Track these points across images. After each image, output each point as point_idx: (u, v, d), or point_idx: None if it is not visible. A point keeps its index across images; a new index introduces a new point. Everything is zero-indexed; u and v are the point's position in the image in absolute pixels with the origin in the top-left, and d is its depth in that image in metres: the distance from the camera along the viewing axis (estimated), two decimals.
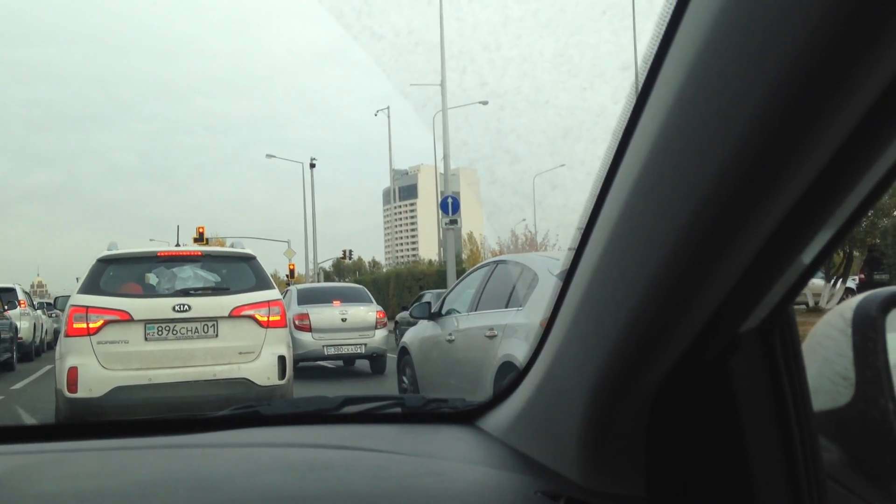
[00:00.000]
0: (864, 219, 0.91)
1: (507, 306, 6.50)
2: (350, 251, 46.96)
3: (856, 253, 22.22)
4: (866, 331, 0.89)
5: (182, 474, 1.01)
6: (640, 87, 0.65)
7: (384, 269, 66.67)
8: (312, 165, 40.29)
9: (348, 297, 13.03)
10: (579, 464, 0.86)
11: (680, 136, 0.61)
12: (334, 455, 1.07)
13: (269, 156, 42.47)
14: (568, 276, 0.85)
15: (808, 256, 0.67)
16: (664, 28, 0.60)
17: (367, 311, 12.64)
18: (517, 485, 0.91)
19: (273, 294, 7.13)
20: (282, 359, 6.92)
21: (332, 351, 12.22)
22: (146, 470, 1.03)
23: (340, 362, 13.46)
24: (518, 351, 5.90)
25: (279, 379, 6.86)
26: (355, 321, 12.33)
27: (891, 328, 0.91)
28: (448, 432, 1.21)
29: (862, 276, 20.44)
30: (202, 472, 1.02)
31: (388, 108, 43.86)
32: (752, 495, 0.75)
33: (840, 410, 0.87)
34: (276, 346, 6.93)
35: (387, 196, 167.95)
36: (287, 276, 35.23)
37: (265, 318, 6.87)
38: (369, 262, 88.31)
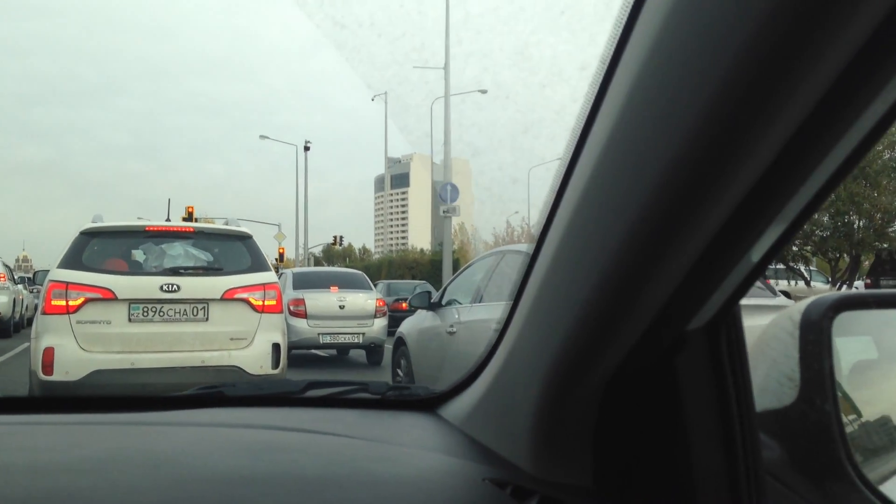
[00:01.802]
0: (813, 216, 0.76)
1: (495, 300, 6.16)
2: (341, 237, 46.76)
3: (864, 258, 22.00)
4: (812, 334, 0.92)
5: (136, 451, 1.00)
6: (596, 88, 0.66)
7: (375, 257, 66.39)
8: (307, 148, 40.02)
9: (347, 284, 12.51)
10: (530, 453, 0.89)
11: (629, 136, 0.64)
12: (292, 438, 1.09)
13: (262, 137, 41.78)
14: (527, 270, 0.87)
15: (755, 255, 0.69)
16: (619, 31, 0.62)
17: (367, 299, 12.09)
18: (466, 472, 0.93)
19: (269, 277, 6.69)
20: (276, 346, 6.50)
21: (327, 339, 11.68)
22: (101, 445, 1.03)
23: (334, 351, 12.91)
24: None
25: (272, 368, 6.44)
26: (353, 309, 11.78)
27: (837, 332, 0.94)
28: (408, 419, 1.23)
29: (868, 280, 20.10)
30: (156, 449, 1.01)
31: (385, 93, 43.26)
32: (692, 489, 0.78)
33: (784, 410, 0.90)
34: (270, 332, 6.49)
35: (379, 183, 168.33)
36: (276, 259, 34.82)
37: (260, 303, 6.43)
38: (359, 249, 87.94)
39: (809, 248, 20.78)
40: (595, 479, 0.86)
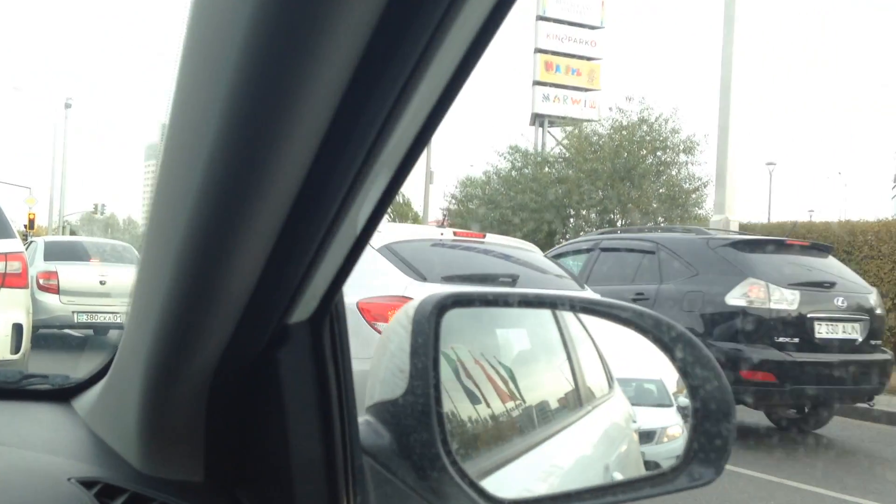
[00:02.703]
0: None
1: None
2: (103, 205, 43.19)
3: None
4: (421, 329, 0.98)
5: None
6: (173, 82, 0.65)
7: (141, 230, 62.06)
8: (68, 106, 36.28)
9: (110, 257, 11.28)
10: (140, 451, 0.87)
11: (180, 126, 0.64)
12: None
13: (15, 89, 37.25)
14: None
15: (339, 249, 0.70)
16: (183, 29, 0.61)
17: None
18: (51, 470, 0.89)
19: (13, 245, 5.74)
20: (18, 328, 5.62)
21: (83, 319, 10.40)
22: None
23: (91, 332, 11.57)
24: None
25: (11, 353, 5.57)
26: (118, 285, 10.52)
27: (449, 327, 1.02)
28: (34, 411, 1.15)
29: None
30: None
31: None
32: (291, 477, 0.81)
33: (395, 401, 0.95)
34: (11, 310, 5.60)
35: (150, 151, 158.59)
36: (25, 226, 31.21)
37: None
38: (124, 220, 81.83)
39: None
40: (207, 474, 0.86)
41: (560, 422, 1.45)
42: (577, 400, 1.54)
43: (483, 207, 23.77)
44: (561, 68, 32.36)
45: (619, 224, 21.99)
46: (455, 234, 5.81)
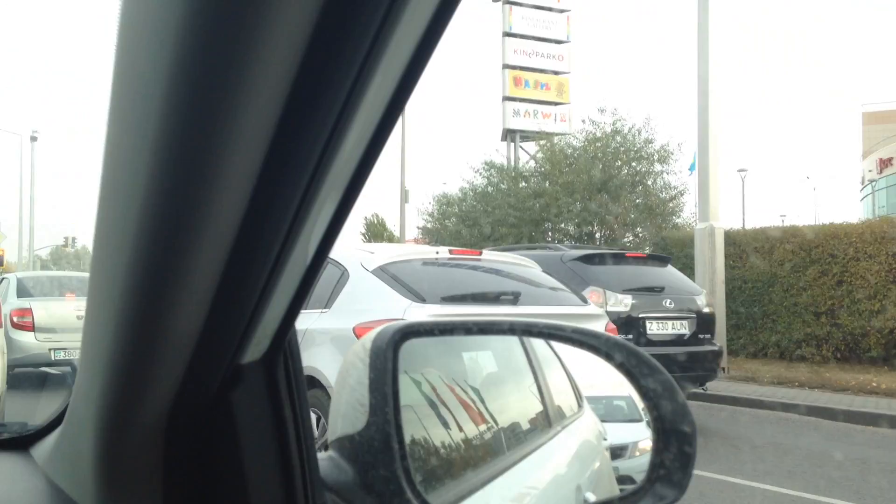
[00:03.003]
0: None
1: (306, 308, 5.44)
2: (73, 238, 42.49)
3: None
4: (379, 361, 0.97)
5: None
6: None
7: None
8: (34, 139, 35.81)
9: (86, 290, 10.88)
10: (97, 498, 0.85)
11: (108, 173, 0.60)
12: None
13: None
14: None
15: (285, 287, 0.68)
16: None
17: None
18: None
19: None
20: None
21: (61, 356, 10.09)
22: None
23: (69, 368, 11.22)
24: (323, 363, 5.01)
25: None
26: None
27: (406, 359, 1.01)
28: None
29: None
30: None
31: None
32: None
33: (356, 435, 0.94)
34: None
35: None
36: None
37: None
38: None
39: None
40: None
41: (532, 443, 1.44)
42: (546, 420, 1.56)
43: (461, 224, 23.68)
44: (530, 83, 32.52)
45: (597, 236, 22.02)
46: (451, 252, 5.65)
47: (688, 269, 12.96)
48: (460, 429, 1.23)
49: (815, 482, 5.92)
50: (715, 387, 10.44)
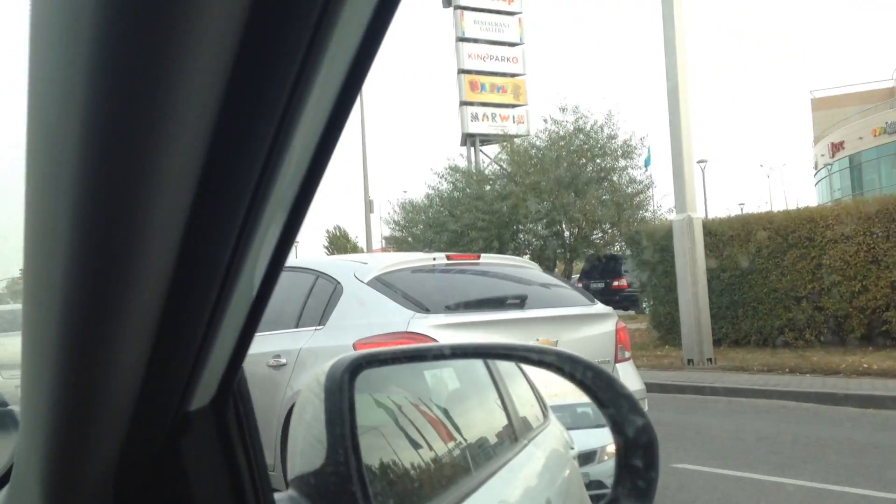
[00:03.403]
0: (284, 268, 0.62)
1: (298, 325, 5.16)
2: None
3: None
4: (335, 394, 0.96)
5: None
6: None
7: None
8: None
9: None
10: None
11: (31, 209, 0.55)
12: None
13: None
14: None
15: (234, 319, 0.65)
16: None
17: None
18: None
19: None
20: None
21: None
22: None
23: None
24: None
25: None
26: None
27: (360, 390, 0.98)
28: None
29: (580, 283, 21.62)
30: None
31: None
32: None
33: (315, 472, 0.93)
34: None
35: None
36: None
37: None
38: None
39: (528, 256, 21.92)
40: None
41: (501, 458, 1.43)
42: (513, 434, 1.55)
43: (429, 231, 23.44)
44: (486, 87, 32.56)
45: (566, 235, 21.96)
46: (448, 257, 5.38)
47: (665, 260, 12.93)
48: (430, 447, 1.22)
49: (834, 472, 5.73)
50: (707, 379, 10.35)
